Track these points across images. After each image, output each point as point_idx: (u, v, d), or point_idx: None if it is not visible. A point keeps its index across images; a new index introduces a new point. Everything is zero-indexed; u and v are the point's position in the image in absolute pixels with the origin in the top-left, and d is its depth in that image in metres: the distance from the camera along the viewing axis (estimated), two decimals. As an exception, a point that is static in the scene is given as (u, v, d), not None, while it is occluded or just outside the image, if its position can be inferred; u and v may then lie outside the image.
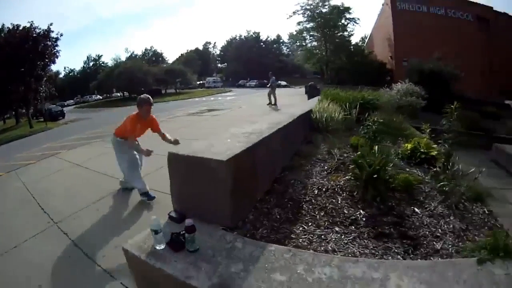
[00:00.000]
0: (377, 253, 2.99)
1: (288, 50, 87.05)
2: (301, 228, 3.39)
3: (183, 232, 2.67)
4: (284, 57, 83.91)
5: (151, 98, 5.44)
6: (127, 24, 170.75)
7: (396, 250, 3.04)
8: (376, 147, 4.77)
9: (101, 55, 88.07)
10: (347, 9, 39.41)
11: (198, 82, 75.81)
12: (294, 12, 40.94)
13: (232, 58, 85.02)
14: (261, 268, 2.40)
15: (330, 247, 3.05)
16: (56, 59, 35.39)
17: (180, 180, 3.52)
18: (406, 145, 5.93)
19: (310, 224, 3.48)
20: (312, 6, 39.64)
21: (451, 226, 3.52)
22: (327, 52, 40.28)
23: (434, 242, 3.21)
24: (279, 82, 50.88)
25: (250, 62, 75.07)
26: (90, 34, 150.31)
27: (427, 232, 3.40)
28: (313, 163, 5.29)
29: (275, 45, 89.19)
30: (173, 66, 70.03)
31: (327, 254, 2.78)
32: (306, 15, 40.53)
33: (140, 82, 53.05)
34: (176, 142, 5.48)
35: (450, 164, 4.86)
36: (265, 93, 20.66)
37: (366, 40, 45.85)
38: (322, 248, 3.01)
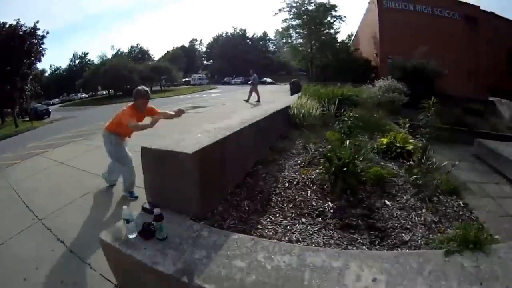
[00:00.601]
0: (341, 243, 3.04)
1: (274, 47, 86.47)
2: (268, 219, 3.46)
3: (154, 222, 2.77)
4: (270, 54, 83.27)
5: (148, 92, 5.26)
6: (114, 20, 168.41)
7: (361, 241, 3.08)
8: (348, 141, 4.78)
9: (87, 53, 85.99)
10: (333, 7, 39.50)
11: (183, 80, 75.15)
12: (280, 10, 40.87)
13: (218, 55, 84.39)
14: (223, 255, 2.50)
15: (295, 237, 3.11)
16: (42, 57, 34.56)
17: (152, 173, 3.60)
18: (382, 139, 5.97)
19: (277, 215, 3.56)
20: (298, 4, 39.64)
21: (422, 218, 3.55)
22: (312, 49, 40.37)
23: (403, 234, 3.23)
24: (264, 79, 52.35)
25: (236, 59, 74.75)
26: (77, 31, 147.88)
27: (396, 224, 3.43)
28: (287, 157, 5.37)
29: (261, 42, 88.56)
30: (159, 63, 69.13)
31: (289, 243, 2.85)
32: (292, 13, 40.51)
33: (126, 79, 52.25)
34: (180, 113, 5.39)
35: (425, 158, 4.88)
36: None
37: (352, 38, 45.95)
38: (286, 238, 3.08)
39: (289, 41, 44.35)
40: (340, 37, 45.78)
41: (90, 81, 60.14)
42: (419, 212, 3.71)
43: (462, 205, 3.96)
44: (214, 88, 51.50)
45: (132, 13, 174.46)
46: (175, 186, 3.38)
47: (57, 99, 70.71)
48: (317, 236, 3.16)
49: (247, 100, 19.45)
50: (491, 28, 28.10)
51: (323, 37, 40.30)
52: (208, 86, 56.90)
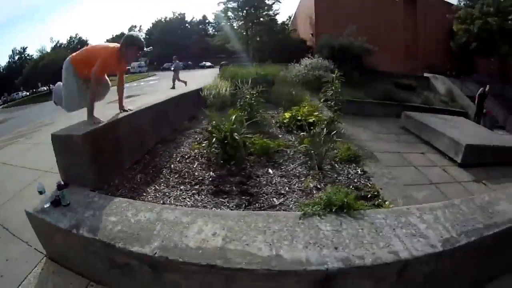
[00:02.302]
0: (208, 206, 3.59)
1: (214, 30, 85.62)
2: (153, 188, 4.05)
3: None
4: (209, 38, 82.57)
5: (144, 41, 4.25)
6: (51, 11, 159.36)
7: (228, 204, 3.61)
8: (234, 116, 5.05)
9: (26, 47, 79.25)
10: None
11: (123, 69, 72.79)
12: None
13: (157, 41, 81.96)
14: (104, 213, 3.09)
15: (169, 201, 3.72)
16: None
17: (60, 155, 4.06)
18: (284, 114, 6.30)
19: (162, 185, 4.14)
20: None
21: (303, 185, 3.96)
22: (247, 31, 40.39)
23: (275, 199, 3.69)
24: (204, 63, 54.92)
25: (175, 44, 73.07)
26: (16, 26, 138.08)
27: (271, 190, 3.91)
28: (188, 135, 5.96)
29: (200, 26, 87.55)
30: (97, 53, 66.52)
31: (153, 203, 3.49)
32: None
33: (65, 73, 49.85)
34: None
35: (327, 129, 5.24)
36: (187, 75, 19.68)
37: (291, 19, 46.23)
38: (161, 202, 3.70)
39: (228, 23, 44.09)
40: (281, 18, 45.88)
41: (30, 77, 57.43)
42: (303, 179, 4.07)
43: (359, 173, 4.36)
44: (153, 75, 50.18)
45: (70, 2, 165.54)
46: (76, 164, 3.90)
47: (-1, 101, 66.05)
48: (189, 200, 3.72)
49: (172, 88, 18.52)
50: (430, 8, 29.02)
51: (261, 19, 40.33)
52: (147, 74, 55.44)
